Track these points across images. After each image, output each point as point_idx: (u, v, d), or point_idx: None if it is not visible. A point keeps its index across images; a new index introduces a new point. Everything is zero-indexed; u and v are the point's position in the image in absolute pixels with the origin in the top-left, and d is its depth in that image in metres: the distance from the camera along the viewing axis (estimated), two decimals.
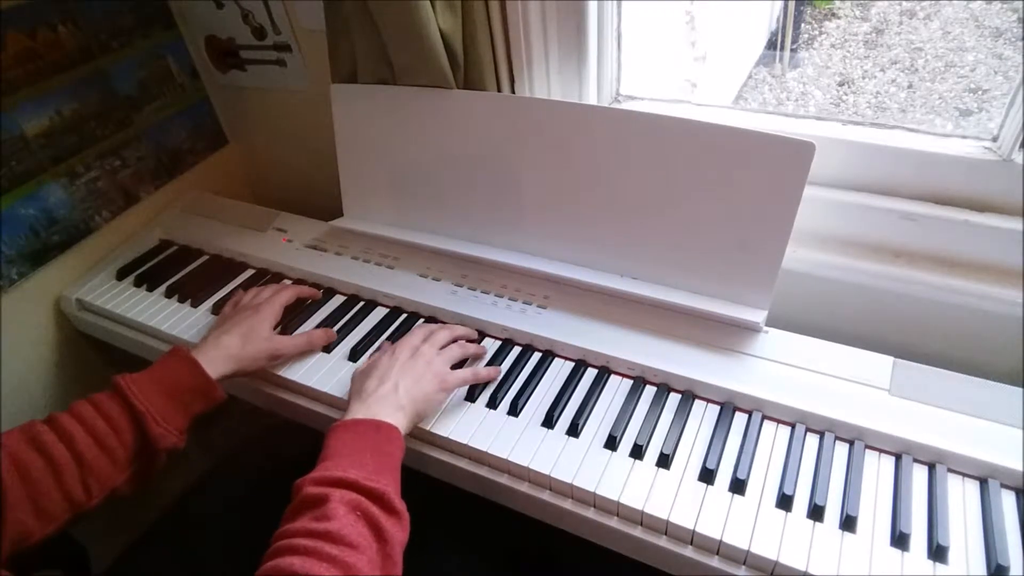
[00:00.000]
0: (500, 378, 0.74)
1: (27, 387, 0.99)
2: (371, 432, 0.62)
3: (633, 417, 0.69)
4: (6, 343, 0.94)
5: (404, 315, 0.86)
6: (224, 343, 0.74)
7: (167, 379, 0.69)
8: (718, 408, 0.69)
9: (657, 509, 0.60)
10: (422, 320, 0.85)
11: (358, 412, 0.64)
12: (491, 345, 0.80)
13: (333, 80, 0.90)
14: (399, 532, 0.56)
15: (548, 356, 0.77)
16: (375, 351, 0.80)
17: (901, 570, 0.55)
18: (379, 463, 0.60)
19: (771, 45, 3.22)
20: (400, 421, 0.65)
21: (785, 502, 0.60)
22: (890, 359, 0.69)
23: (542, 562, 0.81)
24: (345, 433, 0.62)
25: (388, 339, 0.82)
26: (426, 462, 0.72)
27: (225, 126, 1.22)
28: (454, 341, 0.76)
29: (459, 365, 0.74)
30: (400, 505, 0.57)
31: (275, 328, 0.81)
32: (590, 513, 0.63)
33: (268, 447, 0.94)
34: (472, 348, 0.77)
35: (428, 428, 0.70)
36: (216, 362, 0.72)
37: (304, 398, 0.79)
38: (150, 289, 0.96)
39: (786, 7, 3.20)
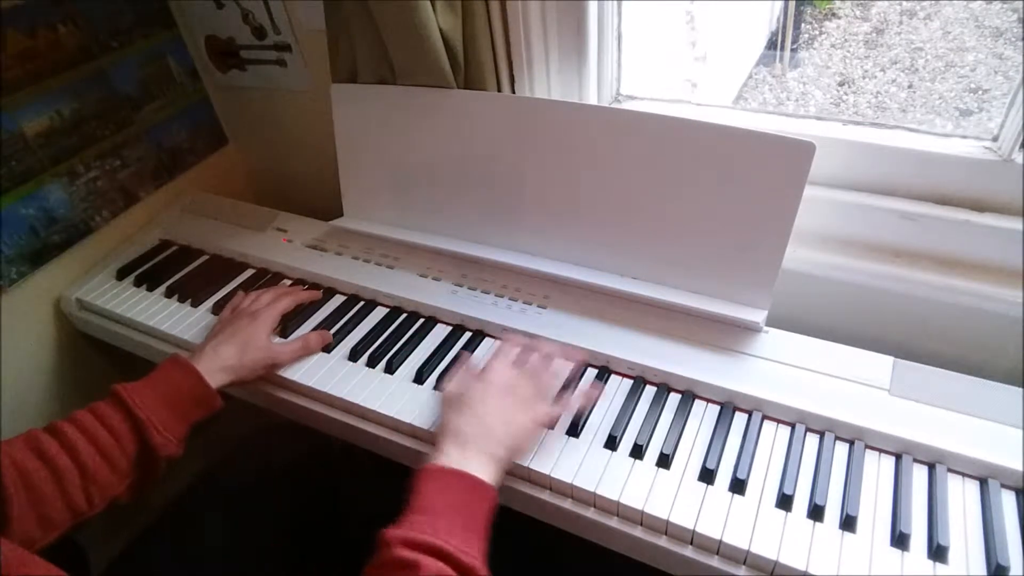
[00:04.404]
0: None
1: (27, 387, 0.99)
2: (467, 491, 0.58)
3: (633, 417, 0.69)
4: (6, 343, 0.94)
5: (404, 315, 0.86)
6: (222, 353, 0.74)
7: (167, 388, 0.69)
8: (718, 408, 0.69)
9: (657, 509, 0.60)
10: (422, 320, 0.84)
11: (452, 456, 0.60)
12: (491, 345, 0.80)
13: (333, 80, 0.90)
14: None
15: (548, 356, 0.77)
16: (449, 364, 0.77)
17: (901, 570, 0.55)
18: (470, 527, 0.56)
19: (771, 45, 3.23)
20: (495, 477, 0.61)
21: (785, 502, 0.60)
22: (890, 359, 0.69)
23: (542, 561, 0.81)
24: (441, 482, 0.58)
25: (461, 352, 0.78)
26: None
27: (225, 126, 1.22)
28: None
29: None
30: None
31: (273, 334, 0.81)
32: (590, 513, 0.63)
33: (266, 447, 0.94)
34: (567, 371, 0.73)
35: (427, 429, 0.70)
36: (215, 373, 0.72)
37: (304, 398, 0.78)
38: (150, 289, 0.96)
39: (786, 7, 3.20)
